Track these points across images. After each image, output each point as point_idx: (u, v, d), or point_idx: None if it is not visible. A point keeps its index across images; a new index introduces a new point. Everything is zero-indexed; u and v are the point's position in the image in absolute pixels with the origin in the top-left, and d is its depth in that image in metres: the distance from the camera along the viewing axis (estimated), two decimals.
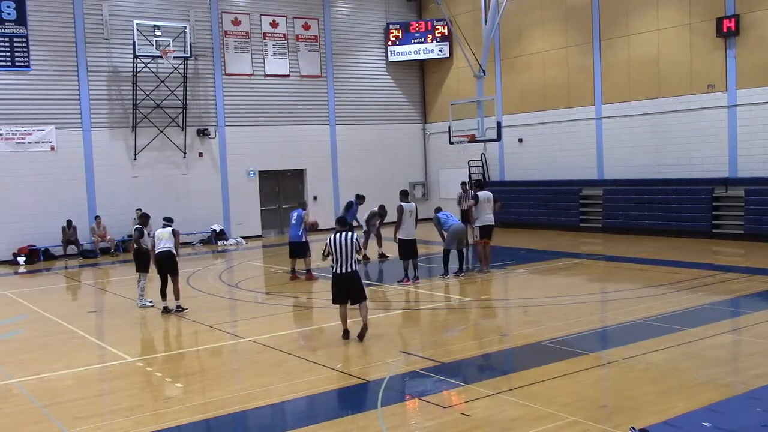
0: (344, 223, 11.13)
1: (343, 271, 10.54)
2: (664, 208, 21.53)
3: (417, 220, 15.94)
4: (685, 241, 20.23)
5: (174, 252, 13.59)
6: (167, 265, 13.53)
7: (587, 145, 24.49)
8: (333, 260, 10.63)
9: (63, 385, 9.28)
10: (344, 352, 10.29)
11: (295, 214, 16.52)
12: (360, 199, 19.38)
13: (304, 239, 16.47)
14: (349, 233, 10.62)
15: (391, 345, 10.69)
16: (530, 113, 26.21)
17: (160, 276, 13.66)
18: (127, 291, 15.95)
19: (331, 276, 10.91)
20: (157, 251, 13.53)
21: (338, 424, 7.44)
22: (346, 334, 10.73)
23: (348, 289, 10.65)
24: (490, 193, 16.68)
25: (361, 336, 10.66)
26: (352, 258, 10.53)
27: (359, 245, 10.78)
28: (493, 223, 16.40)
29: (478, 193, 16.46)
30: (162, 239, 13.56)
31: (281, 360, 9.89)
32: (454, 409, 7.72)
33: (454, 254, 16.05)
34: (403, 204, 15.71)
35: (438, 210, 16.70)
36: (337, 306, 10.86)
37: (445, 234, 15.90)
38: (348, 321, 10.84)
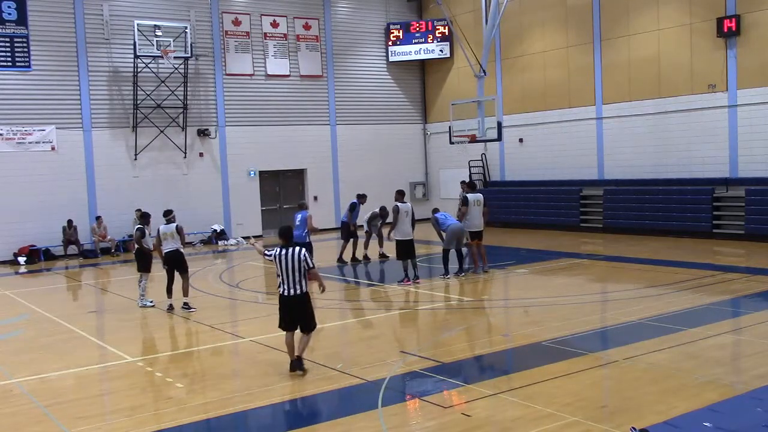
0: (287, 236, 9.27)
1: (290, 293, 9.01)
2: (664, 208, 21.52)
3: (414, 220, 15.92)
4: (686, 242, 20.22)
5: (182, 251, 13.57)
6: (176, 264, 13.54)
7: (588, 145, 24.49)
8: (279, 280, 9.19)
9: (63, 385, 9.29)
10: (344, 352, 10.29)
11: (299, 216, 16.39)
12: (362, 198, 19.44)
13: (308, 240, 16.46)
14: (296, 248, 9.02)
15: (391, 345, 10.70)
16: (531, 113, 26.21)
17: (167, 273, 13.66)
18: (127, 291, 15.95)
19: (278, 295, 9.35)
20: (165, 251, 13.51)
21: (339, 424, 7.44)
22: (294, 365, 9.10)
23: (295, 315, 9.12)
24: (480, 195, 16.63)
25: (294, 367, 9.04)
26: (300, 278, 8.98)
27: (308, 264, 8.99)
28: (482, 228, 16.33)
29: (467, 195, 16.41)
30: (167, 238, 13.52)
31: (282, 360, 9.85)
32: (454, 409, 7.72)
33: (453, 254, 16.05)
34: (398, 204, 15.69)
35: (435, 211, 16.66)
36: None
37: (444, 234, 15.89)
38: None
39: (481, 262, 16.47)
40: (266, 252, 9.40)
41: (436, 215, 16.22)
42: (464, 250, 16.46)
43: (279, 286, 9.20)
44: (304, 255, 9.00)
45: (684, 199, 21.17)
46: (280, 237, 9.33)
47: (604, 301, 13.58)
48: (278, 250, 9.09)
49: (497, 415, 7.43)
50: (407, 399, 8.26)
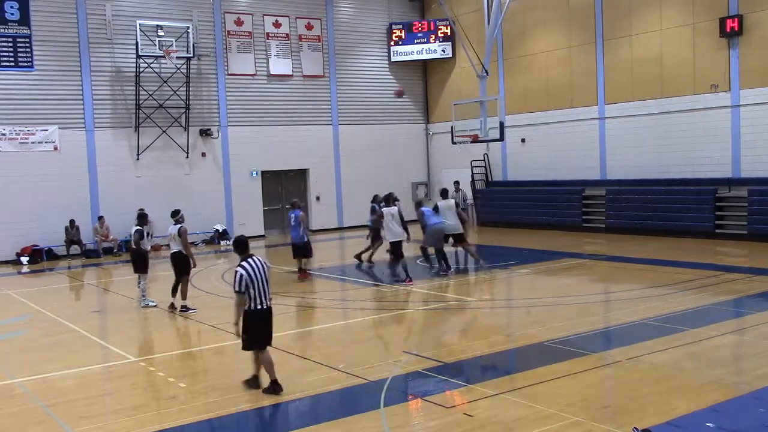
0: (245, 248, 8.54)
1: (264, 306, 8.35)
2: (667, 209, 21.49)
3: (404, 222, 15.98)
4: (688, 242, 20.19)
5: (185, 253, 13.44)
6: (176, 266, 13.55)
7: (590, 145, 24.46)
8: (251, 295, 8.24)
9: (66, 385, 9.29)
10: (346, 352, 10.27)
11: (293, 216, 16.57)
12: (377, 200, 19.35)
13: (305, 239, 16.55)
14: (258, 258, 8.41)
15: (393, 345, 10.69)
16: (533, 113, 26.18)
17: (174, 273, 13.69)
18: (130, 291, 15.93)
19: (253, 310, 8.33)
20: (171, 252, 13.67)
21: (341, 424, 7.44)
22: (255, 380, 8.57)
23: (269, 328, 8.51)
24: (452, 201, 17.28)
25: (272, 390, 8.39)
26: (269, 288, 8.41)
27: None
28: (460, 231, 16.78)
29: (438, 203, 17.01)
30: (171, 240, 13.65)
31: (284, 360, 9.85)
32: (456, 409, 7.72)
33: (445, 253, 16.47)
34: (384, 209, 16.19)
35: (420, 204, 17.47)
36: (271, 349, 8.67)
37: (425, 229, 16.49)
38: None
39: (472, 259, 17.06)
40: (238, 289, 8.20)
41: (422, 209, 16.83)
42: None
43: (251, 303, 8.25)
44: (265, 263, 8.45)
45: (687, 199, 21.13)
46: (236, 249, 8.59)
47: (607, 302, 13.57)
48: (247, 264, 8.24)
49: (499, 415, 7.42)
50: (409, 399, 8.25)
